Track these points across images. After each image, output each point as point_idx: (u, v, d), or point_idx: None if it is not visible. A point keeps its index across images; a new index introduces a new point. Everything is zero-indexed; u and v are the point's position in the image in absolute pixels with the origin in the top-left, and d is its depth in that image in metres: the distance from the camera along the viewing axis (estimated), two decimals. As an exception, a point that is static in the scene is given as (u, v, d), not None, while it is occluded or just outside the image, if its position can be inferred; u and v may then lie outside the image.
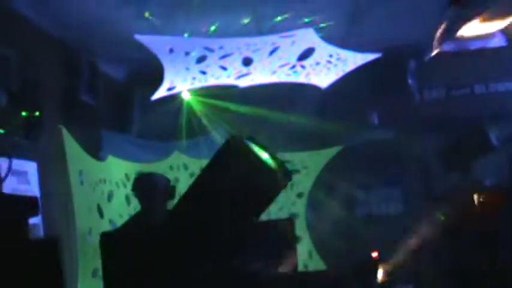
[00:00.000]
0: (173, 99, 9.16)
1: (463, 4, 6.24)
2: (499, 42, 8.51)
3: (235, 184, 3.83)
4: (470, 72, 10.07)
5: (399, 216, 10.12)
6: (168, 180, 6.44)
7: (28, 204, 3.83)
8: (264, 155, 3.99)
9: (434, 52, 7.66)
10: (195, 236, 3.86)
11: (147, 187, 6.22)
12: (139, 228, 5.76)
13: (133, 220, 6.34)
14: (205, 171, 4.02)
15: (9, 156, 3.81)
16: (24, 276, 3.24)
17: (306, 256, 9.71)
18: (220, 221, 3.85)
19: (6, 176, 3.71)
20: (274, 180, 4.00)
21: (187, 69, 7.90)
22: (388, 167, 10.15)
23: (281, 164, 4.13)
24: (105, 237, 5.55)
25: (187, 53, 7.46)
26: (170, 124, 9.39)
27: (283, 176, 4.04)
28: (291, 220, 6.96)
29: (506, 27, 7.49)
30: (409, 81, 9.87)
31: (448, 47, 8.52)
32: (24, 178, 6.82)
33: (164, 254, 3.94)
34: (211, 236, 3.88)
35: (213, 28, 7.43)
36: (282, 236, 5.78)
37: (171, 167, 9.59)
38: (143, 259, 4.07)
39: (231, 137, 3.95)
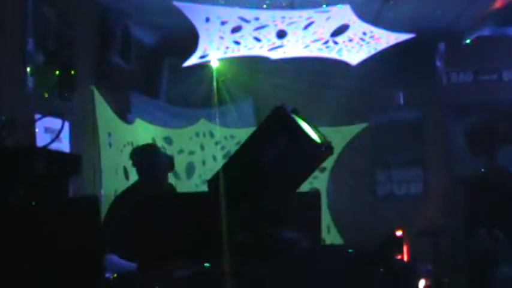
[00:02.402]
0: (202, 66, 9.19)
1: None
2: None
3: (279, 154, 3.88)
4: (498, 57, 10.06)
5: (420, 197, 10.18)
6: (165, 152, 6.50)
7: (71, 162, 3.91)
8: (308, 128, 4.03)
9: (474, 36, 7.70)
10: (235, 204, 3.92)
11: (147, 157, 6.26)
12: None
13: (131, 192, 6.34)
14: (249, 139, 4.06)
15: (62, 118, 3.86)
16: (64, 232, 3.30)
17: (324, 231, 9.78)
18: (262, 190, 3.91)
19: (57, 137, 3.76)
20: (317, 153, 4.04)
21: (221, 38, 7.93)
22: (412, 147, 10.19)
23: (323, 137, 4.17)
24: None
25: (223, 23, 7.49)
26: (198, 91, 9.43)
27: (325, 149, 4.09)
28: (318, 193, 7.02)
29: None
30: (438, 63, 9.89)
31: (487, 32, 8.53)
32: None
33: (203, 220, 4.00)
34: (252, 205, 3.94)
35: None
36: (310, 208, 5.84)
37: (197, 134, 9.68)
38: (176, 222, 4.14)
39: (276, 108, 3.98)
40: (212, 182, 4.13)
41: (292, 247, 4.29)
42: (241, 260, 4.07)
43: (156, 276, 4.11)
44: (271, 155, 3.91)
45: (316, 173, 9.96)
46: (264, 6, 7.71)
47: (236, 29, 7.73)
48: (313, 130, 4.12)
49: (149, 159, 6.26)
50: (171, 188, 6.70)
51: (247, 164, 4.00)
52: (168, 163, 6.42)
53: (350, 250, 5.59)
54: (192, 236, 4.12)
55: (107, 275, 4.48)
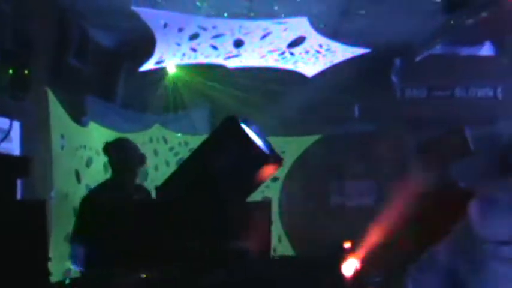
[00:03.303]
0: (159, 72, 9.19)
1: (458, 10, 6.36)
2: (488, 50, 8.67)
3: (229, 164, 3.91)
4: (452, 75, 10.21)
5: (372, 209, 10.26)
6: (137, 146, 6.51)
7: (19, 164, 3.88)
8: (259, 139, 4.07)
9: (425, 54, 7.81)
10: (183, 213, 3.93)
11: (121, 151, 6.25)
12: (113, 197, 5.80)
13: (104, 187, 6.34)
14: (200, 148, 4.09)
15: (10, 118, 3.84)
16: (10, 236, 3.28)
17: (276, 240, 9.82)
18: (210, 200, 3.93)
19: (5, 137, 3.75)
20: (266, 164, 4.08)
21: (178, 44, 7.95)
22: (365, 160, 10.29)
23: (273, 148, 4.21)
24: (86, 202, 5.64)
25: (180, 29, 7.51)
26: (154, 96, 9.42)
27: (275, 160, 4.13)
28: (269, 202, 7.05)
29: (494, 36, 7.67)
30: (393, 78, 10.01)
31: (438, 50, 8.67)
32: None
33: (149, 228, 4.01)
34: (199, 215, 3.96)
35: (204, 4, 7.51)
36: (260, 217, 5.86)
37: (151, 139, 9.65)
38: (126, 230, 4.14)
39: (228, 118, 4.01)
40: (160, 189, 4.15)
41: (240, 257, 4.31)
42: (189, 269, 4.08)
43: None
44: (221, 165, 3.94)
45: (269, 182, 10.00)
46: (225, 15, 7.74)
47: (193, 37, 7.75)
48: (264, 141, 4.16)
49: (125, 154, 6.25)
50: (144, 189, 6.70)
51: (197, 173, 4.03)
52: (141, 158, 6.43)
53: (298, 261, 5.62)
54: (138, 244, 4.12)
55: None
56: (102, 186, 6.39)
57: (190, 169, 4.11)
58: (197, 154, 4.15)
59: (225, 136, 3.97)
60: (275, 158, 4.13)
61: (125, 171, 6.23)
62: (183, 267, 4.00)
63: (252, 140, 3.92)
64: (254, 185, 4.31)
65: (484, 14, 6.49)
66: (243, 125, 3.97)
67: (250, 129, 4.05)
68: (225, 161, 3.95)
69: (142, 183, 7.17)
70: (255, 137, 4.02)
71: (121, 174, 6.25)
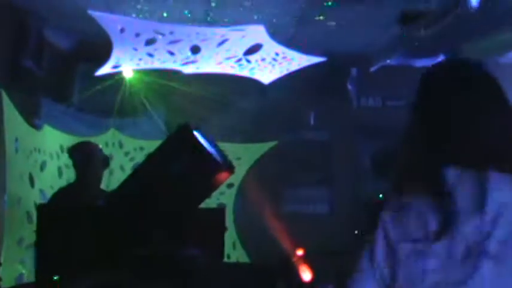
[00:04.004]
0: (115, 76, 9.16)
1: (412, 23, 6.46)
2: (440, 63, 8.79)
3: (181, 172, 3.93)
4: (407, 86, 10.31)
5: (325, 216, 10.35)
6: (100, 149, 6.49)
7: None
8: (211, 147, 4.10)
9: (380, 65, 7.92)
10: (135, 219, 3.95)
11: (86, 154, 6.19)
12: (78, 201, 5.77)
13: (69, 191, 6.29)
14: (152, 156, 4.10)
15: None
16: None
17: (230, 246, 9.83)
18: (162, 206, 3.95)
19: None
20: (218, 172, 4.11)
21: (135, 49, 7.94)
22: (320, 167, 10.36)
23: (226, 156, 4.25)
24: (44, 208, 5.61)
25: (137, 34, 7.51)
26: (110, 100, 9.38)
27: (227, 169, 4.16)
28: (222, 210, 7.08)
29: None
30: (349, 87, 10.11)
31: (394, 61, 8.79)
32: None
33: (103, 233, 4.01)
34: (150, 221, 3.97)
35: (165, 14, 7.52)
36: (213, 224, 5.89)
37: (106, 144, 9.58)
38: (81, 235, 4.14)
39: (181, 126, 4.03)
40: (112, 195, 4.16)
41: (191, 264, 4.34)
42: (138, 275, 4.09)
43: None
44: (173, 172, 3.96)
45: (224, 188, 10.02)
46: (183, 21, 7.75)
47: (150, 42, 7.75)
48: (216, 149, 4.19)
49: (89, 156, 6.20)
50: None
51: (149, 180, 4.04)
52: (106, 160, 6.40)
53: (250, 268, 5.66)
54: (90, 250, 4.13)
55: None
56: (66, 190, 6.34)
57: (143, 176, 4.12)
58: (150, 161, 4.17)
59: (178, 144, 3.99)
60: (227, 166, 4.16)
61: (89, 175, 6.19)
62: (135, 274, 4.01)
63: (204, 148, 3.95)
64: (206, 192, 4.34)
65: (437, 27, 6.60)
66: (195, 133, 4.00)
67: (203, 137, 4.08)
68: (177, 169, 3.97)
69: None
70: (207, 144, 4.04)
71: (85, 177, 6.20)
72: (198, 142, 3.94)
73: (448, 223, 1.97)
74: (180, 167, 3.95)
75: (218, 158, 4.05)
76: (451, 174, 2.04)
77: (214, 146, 4.17)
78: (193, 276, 4.49)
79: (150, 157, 4.15)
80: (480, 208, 1.96)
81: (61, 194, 6.31)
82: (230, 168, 4.22)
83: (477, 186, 1.99)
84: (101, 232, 4.09)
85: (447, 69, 2.33)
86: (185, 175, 3.96)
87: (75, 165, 6.28)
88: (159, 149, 4.10)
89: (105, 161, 6.42)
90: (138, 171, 4.20)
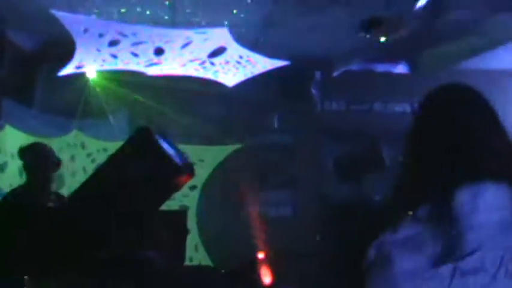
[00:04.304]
0: (79, 77, 9.11)
1: (374, 29, 6.52)
2: (402, 69, 8.90)
3: (140, 175, 3.92)
4: (371, 90, 10.40)
5: (289, 219, 10.37)
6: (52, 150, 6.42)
7: None
8: (171, 150, 4.10)
9: (342, 70, 7.98)
10: (95, 221, 3.94)
11: (36, 156, 6.06)
12: (28, 202, 5.71)
13: (19, 192, 6.15)
14: (112, 158, 4.10)
15: None
16: None
17: (192, 249, 9.82)
18: (121, 209, 3.94)
19: None
20: (179, 175, 4.11)
21: (98, 50, 7.91)
22: (284, 170, 10.39)
23: (186, 159, 4.25)
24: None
25: (100, 35, 7.47)
26: (73, 101, 9.33)
27: (187, 171, 4.17)
28: (184, 212, 7.07)
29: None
30: (313, 90, 10.15)
31: (356, 66, 8.86)
32: None
33: (61, 235, 4.00)
34: (110, 223, 3.97)
35: (123, 10, 7.51)
36: (175, 226, 5.89)
37: (68, 145, 9.55)
38: (39, 236, 4.12)
39: (140, 129, 4.03)
40: (72, 197, 4.14)
41: (150, 266, 4.34)
42: (98, 277, 4.08)
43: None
44: (133, 175, 3.95)
45: (187, 191, 10.02)
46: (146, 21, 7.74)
47: (113, 43, 7.72)
48: (177, 151, 4.19)
49: (39, 158, 6.13)
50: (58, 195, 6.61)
51: (109, 182, 4.03)
52: (56, 163, 6.32)
53: (211, 271, 5.67)
54: (48, 251, 4.11)
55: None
56: (16, 192, 6.27)
57: (103, 178, 4.11)
58: (110, 163, 4.16)
59: (138, 146, 3.99)
60: (187, 169, 4.16)
61: (39, 177, 6.13)
62: (94, 276, 4.00)
63: (164, 151, 3.95)
64: (166, 194, 4.33)
65: (398, 34, 6.68)
66: (155, 136, 4.00)
67: (163, 139, 4.08)
68: (137, 171, 3.96)
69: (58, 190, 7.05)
70: (168, 147, 4.04)
71: (35, 179, 6.14)
72: (158, 145, 3.94)
73: (456, 246, 1.99)
74: (139, 169, 3.95)
75: (178, 160, 4.05)
76: (459, 199, 2.06)
77: (175, 148, 4.18)
78: (152, 278, 4.48)
79: (110, 159, 4.14)
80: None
81: (11, 196, 6.21)
82: (190, 171, 4.23)
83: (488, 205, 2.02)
84: (60, 233, 4.07)
85: (448, 93, 2.39)
86: (145, 177, 3.96)
87: (25, 167, 6.17)
88: (119, 151, 4.09)
89: (57, 164, 6.33)
90: (99, 173, 4.19)
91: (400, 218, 2.13)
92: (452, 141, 2.17)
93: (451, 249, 2.00)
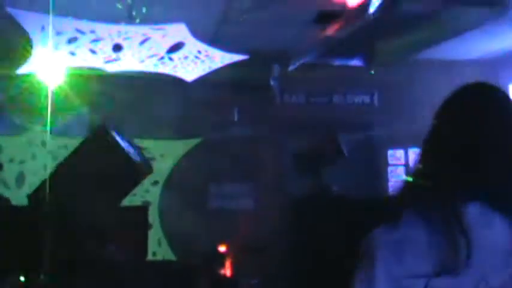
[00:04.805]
0: (37, 74, 9.08)
1: (329, 22, 6.62)
2: (358, 62, 9.02)
3: (99, 172, 3.98)
4: (330, 83, 10.53)
5: (249, 212, 10.45)
6: None
7: None
8: (129, 147, 4.16)
9: (299, 62, 8.05)
10: (56, 219, 3.98)
11: None
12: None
13: None
14: (70, 157, 4.15)
15: None
16: None
17: (155, 244, 9.86)
18: (82, 206, 3.99)
19: None
20: (137, 172, 4.18)
21: (56, 48, 7.91)
22: (244, 163, 10.46)
23: (144, 156, 4.31)
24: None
25: (58, 33, 7.48)
26: (32, 100, 9.30)
27: (145, 168, 4.23)
28: (145, 207, 7.13)
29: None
30: (272, 83, 10.25)
31: (312, 59, 8.95)
32: None
33: (23, 234, 4.04)
34: (70, 221, 4.01)
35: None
36: (136, 221, 5.94)
37: (29, 143, 9.55)
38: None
39: (98, 127, 4.09)
40: (32, 196, 4.18)
41: (112, 262, 4.39)
42: (61, 276, 4.12)
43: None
44: (91, 172, 4.01)
45: (149, 186, 10.06)
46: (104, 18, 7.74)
47: (72, 40, 7.73)
48: (134, 149, 4.25)
49: None
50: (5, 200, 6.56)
51: (68, 180, 4.08)
52: None
53: (173, 266, 5.73)
54: (12, 251, 4.14)
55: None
56: None
57: (63, 176, 4.16)
58: (69, 162, 4.21)
59: (96, 144, 4.04)
60: (144, 165, 4.23)
61: None
62: (54, 273, 4.04)
63: (121, 148, 4.01)
64: (125, 191, 4.39)
65: (353, 27, 6.78)
66: (113, 134, 4.06)
67: (120, 137, 4.14)
68: (96, 169, 4.02)
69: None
70: (125, 144, 4.10)
71: None
72: (116, 142, 4.00)
73: (461, 259, 1.88)
74: (98, 166, 4.00)
75: (135, 157, 4.11)
76: (472, 210, 1.93)
77: (132, 145, 4.24)
78: (116, 274, 4.53)
79: (69, 157, 4.19)
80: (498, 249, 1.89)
81: None
82: (148, 168, 4.29)
83: (498, 227, 1.91)
84: (21, 233, 4.11)
85: (470, 97, 2.18)
86: (103, 175, 4.02)
87: None
88: (78, 149, 4.15)
89: None
90: (58, 171, 4.23)
91: (397, 217, 2.03)
92: (471, 150, 2.02)
93: (449, 260, 1.90)
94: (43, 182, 4.19)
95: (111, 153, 3.94)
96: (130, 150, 4.09)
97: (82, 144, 4.17)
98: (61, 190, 4.08)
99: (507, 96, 2.14)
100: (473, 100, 2.13)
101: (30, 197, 4.16)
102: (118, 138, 4.06)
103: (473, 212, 1.91)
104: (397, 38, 7.60)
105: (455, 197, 1.94)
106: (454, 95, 2.17)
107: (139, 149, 4.30)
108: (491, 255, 1.87)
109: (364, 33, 7.18)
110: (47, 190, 4.10)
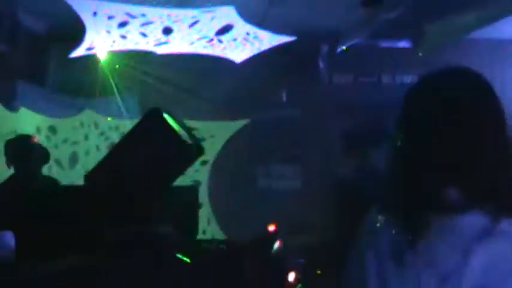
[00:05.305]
0: (89, 58, 9.28)
1: (375, 5, 6.64)
2: (405, 43, 9.04)
3: (153, 154, 4.11)
4: (378, 63, 10.50)
5: (297, 192, 10.54)
6: (40, 143, 6.45)
7: None
8: (181, 130, 4.28)
9: (349, 44, 8.10)
10: (109, 201, 4.12)
11: (18, 150, 6.17)
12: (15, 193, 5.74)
13: (6, 185, 6.16)
14: (124, 140, 4.28)
15: None
16: None
17: (205, 222, 10.03)
18: (137, 188, 4.13)
19: None
20: (188, 154, 4.30)
21: (108, 32, 8.08)
22: (291, 145, 10.53)
23: (195, 139, 4.43)
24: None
25: (110, 17, 7.64)
26: (84, 82, 9.51)
27: (196, 150, 4.35)
28: (195, 188, 7.26)
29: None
30: (320, 64, 10.30)
31: (361, 41, 9.00)
32: None
33: (79, 215, 4.19)
34: (124, 202, 4.15)
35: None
36: (187, 202, 6.06)
37: (81, 124, 9.77)
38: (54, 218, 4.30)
39: (151, 110, 4.21)
40: (89, 176, 4.33)
41: (165, 242, 4.52)
42: (114, 256, 4.26)
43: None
44: (145, 155, 4.14)
45: (198, 166, 10.19)
46: (154, 2, 7.89)
47: (123, 24, 7.89)
48: (186, 131, 4.37)
49: (21, 151, 6.17)
50: (51, 180, 6.66)
51: (123, 163, 4.22)
52: (42, 154, 6.35)
53: (221, 245, 5.84)
54: (69, 231, 4.29)
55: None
56: (4, 184, 6.18)
57: (117, 158, 4.30)
58: (123, 144, 4.35)
59: (149, 127, 4.17)
60: (196, 148, 4.35)
61: (24, 170, 6.12)
62: (109, 255, 4.18)
63: (175, 133, 4.13)
64: (177, 172, 4.52)
65: (400, 9, 6.81)
66: (165, 116, 4.18)
67: (173, 119, 4.26)
68: (149, 151, 4.15)
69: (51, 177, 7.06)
70: (177, 127, 4.23)
71: (20, 172, 6.13)
72: (168, 125, 4.12)
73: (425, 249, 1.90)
74: (151, 149, 4.13)
75: (188, 140, 4.23)
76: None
77: (184, 127, 4.36)
78: (168, 254, 4.65)
79: (123, 140, 4.33)
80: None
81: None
82: (199, 149, 4.41)
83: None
84: (77, 214, 4.25)
85: (431, 89, 2.11)
86: (157, 157, 4.15)
87: (10, 160, 6.19)
88: (132, 132, 4.28)
89: (44, 156, 6.35)
90: (112, 154, 4.38)
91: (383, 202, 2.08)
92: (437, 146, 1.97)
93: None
94: (99, 163, 4.33)
95: (165, 135, 4.07)
96: (182, 132, 4.22)
97: (136, 126, 4.29)
98: (116, 171, 4.22)
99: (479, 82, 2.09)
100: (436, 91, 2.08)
101: (87, 177, 4.30)
102: (171, 121, 4.18)
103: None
104: (446, 20, 7.60)
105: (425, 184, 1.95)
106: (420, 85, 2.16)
107: (191, 130, 4.42)
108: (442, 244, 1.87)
109: (413, 15, 7.20)
110: (103, 171, 4.25)
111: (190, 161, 4.53)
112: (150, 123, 4.18)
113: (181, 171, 4.54)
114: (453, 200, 1.89)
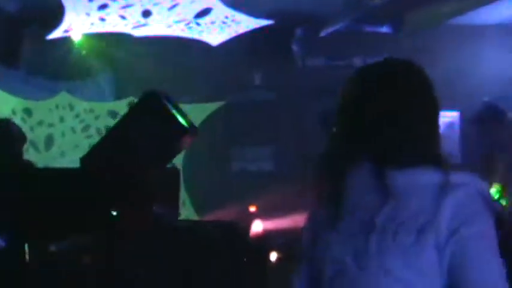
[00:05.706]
0: (65, 39, 9.23)
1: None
2: (387, 29, 9.14)
3: (150, 136, 4.16)
4: (352, 47, 10.57)
5: (271, 173, 10.62)
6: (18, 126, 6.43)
7: None
8: (177, 112, 4.33)
9: (331, 29, 8.16)
10: (106, 181, 4.17)
11: (3, 133, 6.12)
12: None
13: None
14: (123, 121, 4.32)
15: None
16: None
17: (180, 204, 10.06)
18: (134, 169, 4.18)
19: None
20: (184, 136, 4.35)
21: (87, 14, 8.06)
22: (266, 127, 10.59)
23: (190, 120, 4.49)
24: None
25: (90, 0, 7.63)
26: (60, 64, 9.47)
27: (192, 132, 4.40)
28: (177, 169, 7.31)
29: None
30: (294, 47, 10.35)
31: (343, 27, 9.08)
32: None
33: (75, 196, 4.23)
34: (121, 183, 4.20)
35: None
36: (169, 184, 6.12)
37: (57, 106, 9.75)
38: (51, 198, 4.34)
39: (149, 93, 4.25)
40: (85, 159, 4.36)
41: (163, 222, 4.59)
42: (113, 235, 4.32)
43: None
44: (143, 137, 4.19)
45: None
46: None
47: (103, 6, 7.88)
48: (181, 113, 4.43)
49: (2, 133, 6.17)
50: (29, 164, 6.63)
51: (120, 145, 4.26)
52: (22, 136, 6.34)
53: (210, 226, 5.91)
54: (64, 212, 4.33)
55: None
56: None
57: (114, 141, 4.34)
58: (120, 127, 4.38)
59: (147, 111, 4.21)
60: (192, 129, 4.40)
61: (6, 152, 6.10)
62: (108, 233, 4.23)
63: (172, 115, 4.18)
64: (174, 152, 4.58)
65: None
66: (163, 100, 4.23)
67: (169, 103, 4.31)
68: (146, 133, 4.19)
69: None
70: (175, 110, 4.28)
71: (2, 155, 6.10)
72: (167, 109, 4.17)
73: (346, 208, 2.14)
74: (148, 130, 4.18)
75: (185, 123, 4.29)
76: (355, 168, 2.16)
77: (180, 110, 4.41)
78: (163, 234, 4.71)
79: (120, 122, 4.36)
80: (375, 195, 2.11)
81: None
82: (194, 132, 4.47)
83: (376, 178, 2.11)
84: (73, 194, 4.29)
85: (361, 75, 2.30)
86: (153, 138, 4.19)
87: None
88: (129, 114, 4.32)
89: (23, 137, 6.35)
90: (110, 137, 4.41)
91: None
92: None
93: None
94: (95, 145, 4.37)
95: (162, 117, 4.12)
96: (179, 117, 4.27)
97: (133, 108, 4.34)
98: (112, 153, 4.26)
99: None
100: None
101: (82, 160, 4.33)
102: (168, 104, 4.24)
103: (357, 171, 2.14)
104: (427, 8, 7.68)
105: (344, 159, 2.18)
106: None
107: (185, 114, 4.47)
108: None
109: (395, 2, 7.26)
110: (99, 153, 4.29)
111: (185, 143, 4.58)
112: (148, 105, 4.22)
113: (177, 151, 4.61)
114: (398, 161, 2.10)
